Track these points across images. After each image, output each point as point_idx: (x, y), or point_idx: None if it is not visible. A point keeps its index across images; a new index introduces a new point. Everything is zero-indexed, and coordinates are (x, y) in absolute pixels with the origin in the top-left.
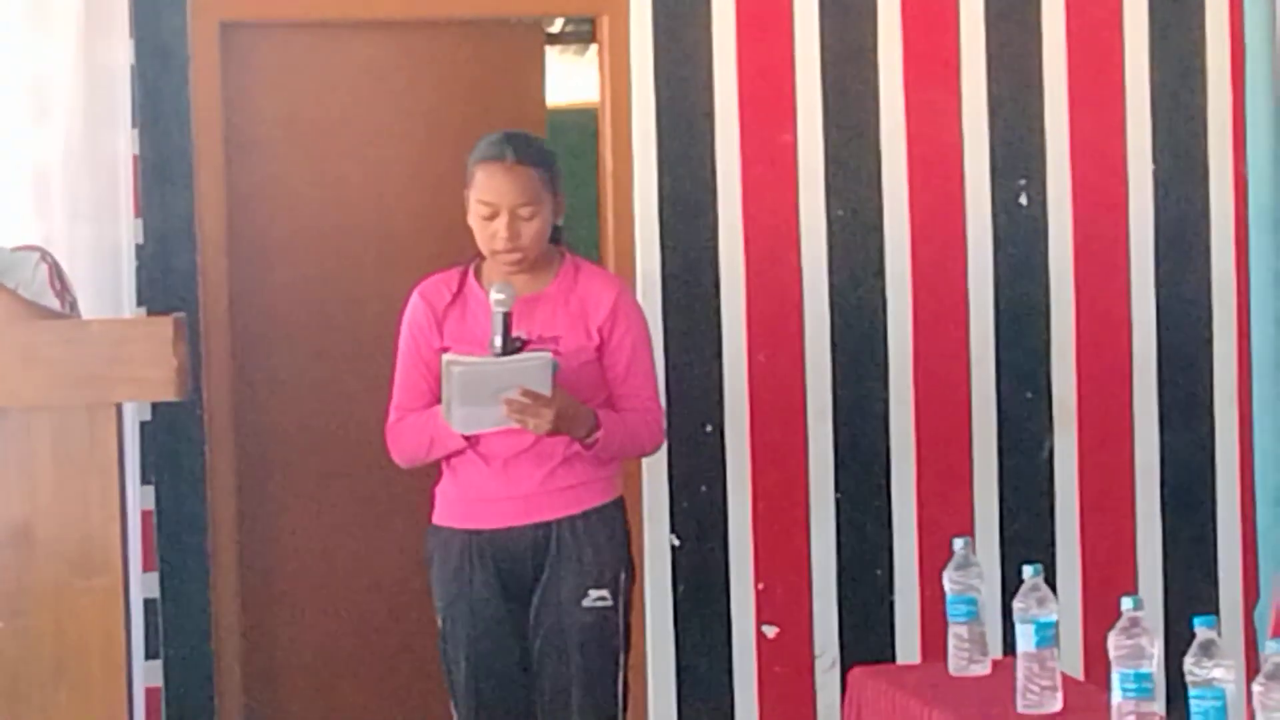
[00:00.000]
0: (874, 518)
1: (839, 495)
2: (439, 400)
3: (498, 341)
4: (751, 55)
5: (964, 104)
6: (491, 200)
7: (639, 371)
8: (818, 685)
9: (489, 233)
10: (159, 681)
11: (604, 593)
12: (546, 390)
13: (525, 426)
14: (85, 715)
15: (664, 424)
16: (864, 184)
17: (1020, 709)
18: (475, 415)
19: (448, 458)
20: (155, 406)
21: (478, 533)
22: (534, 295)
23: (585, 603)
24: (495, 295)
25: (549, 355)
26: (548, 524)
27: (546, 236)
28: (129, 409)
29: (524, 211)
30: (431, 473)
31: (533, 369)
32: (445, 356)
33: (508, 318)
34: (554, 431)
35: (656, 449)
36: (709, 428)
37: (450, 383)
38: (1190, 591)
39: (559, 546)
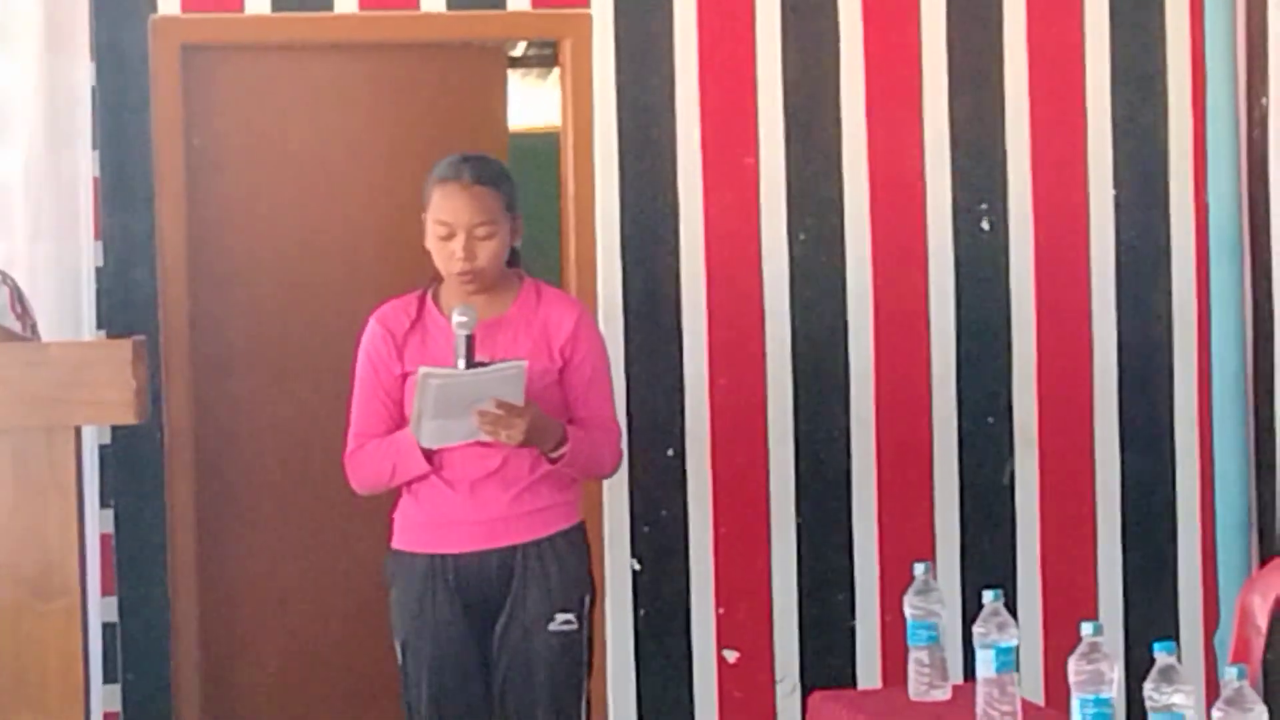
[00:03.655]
0: (835, 542)
1: (800, 519)
2: (399, 426)
3: (461, 365)
4: (714, 79)
5: (926, 129)
6: (448, 220)
7: (598, 392)
8: (779, 710)
9: (446, 253)
10: (117, 706)
11: (570, 616)
12: (519, 400)
13: (497, 438)
14: None
15: (622, 445)
16: (826, 208)
17: None
18: (444, 429)
19: (409, 482)
20: (114, 429)
21: (442, 556)
22: (495, 319)
23: (552, 626)
24: (458, 318)
25: (523, 364)
26: (514, 548)
27: (504, 257)
28: (88, 432)
29: (480, 231)
30: (393, 496)
31: (508, 378)
32: (421, 369)
33: (470, 340)
34: (525, 443)
35: (615, 469)
36: (670, 451)
37: (425, 395)
38: (1151, 616)
39: (525, 570)
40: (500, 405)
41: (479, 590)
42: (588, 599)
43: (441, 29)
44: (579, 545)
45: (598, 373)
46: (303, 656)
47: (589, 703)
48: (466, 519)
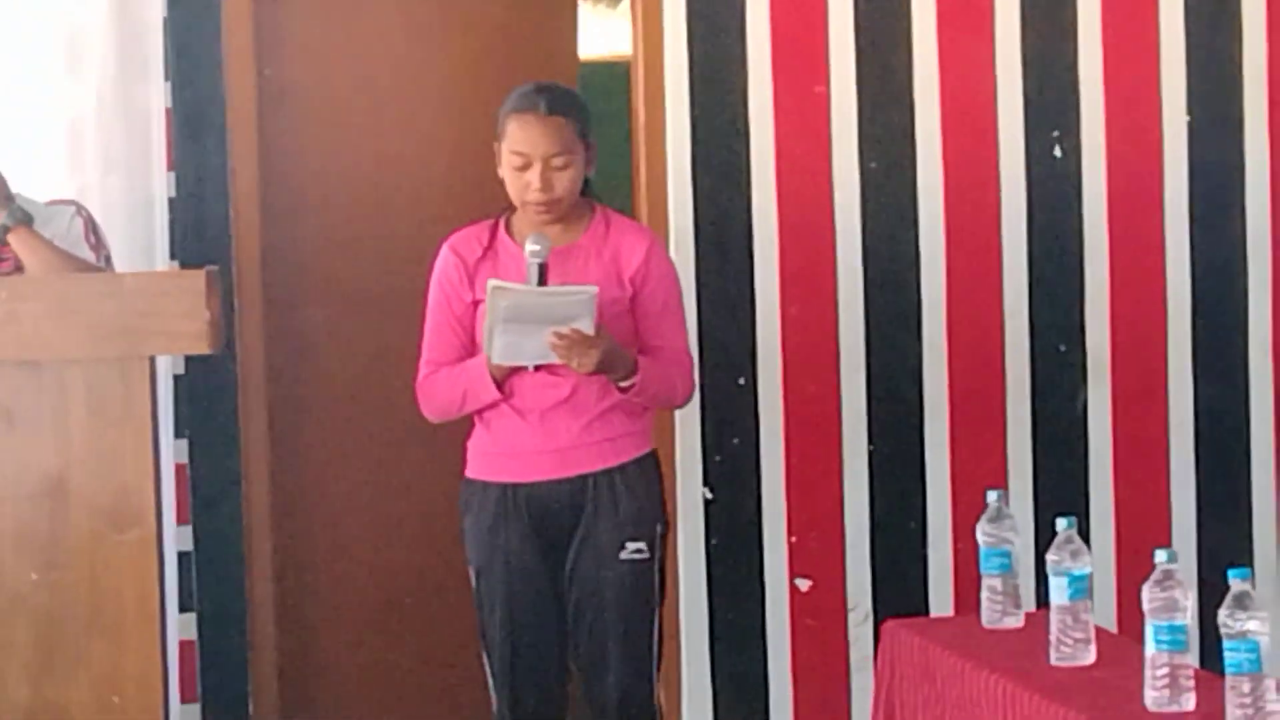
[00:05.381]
0: (907, 470)
1: (872, 448)
2: (470, 354)
3: None
4: (784, 7)
5: (998, 55)
6: (525, 151)
7: (670, 322)
8: (851, 638)
9: (522, 184)
10: (193, 634)
11: (641, 545)
12: (590, 324)
13: (569, 364)
14: (120, 666)
15: (695, 375)
16: (897, 136)
17: (1053, 661)
18: (516, 346)
19: (480, 411)
20: (188, 360)
21: (513, 486)
22: (566, 247)
23: (623, 555)
24: (531, 246)
25: (594, 289)
26: (584, 477)
27: (579, 187)
28: (162, 362)
29: (557, 161)
30: (465, 424)
31: (578, 302)
32: (491, 282)
33: (543, 268)
34: (596, 371)
35: (688, 399)
36: (742, 381)
37: (496, 310)
38: (1224, 543)
39: (595, 499)
40: (575, 333)
41: (550, 519)
42: (659, 528)
43: None
44: (650, 474)
45: (669, 302)
46: (377, 584)
47: (661, 631)
48: (537, 448)
